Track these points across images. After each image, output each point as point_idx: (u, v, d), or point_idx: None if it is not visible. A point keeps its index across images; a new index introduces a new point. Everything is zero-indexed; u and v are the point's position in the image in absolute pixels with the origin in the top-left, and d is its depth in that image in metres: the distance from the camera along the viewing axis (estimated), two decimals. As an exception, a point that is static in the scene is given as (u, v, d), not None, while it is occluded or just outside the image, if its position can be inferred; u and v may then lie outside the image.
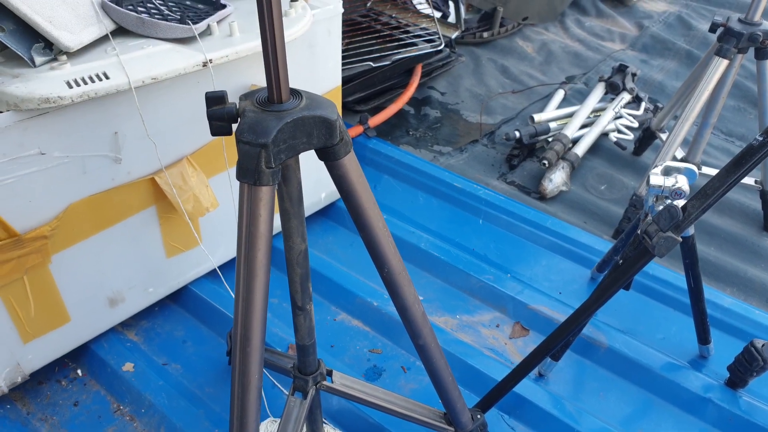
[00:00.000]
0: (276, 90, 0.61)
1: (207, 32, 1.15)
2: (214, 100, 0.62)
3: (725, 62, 1.50)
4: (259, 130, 0.59)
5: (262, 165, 0.60)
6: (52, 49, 1.00)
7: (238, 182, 0.62)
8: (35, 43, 0.98)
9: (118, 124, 1.08)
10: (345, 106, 2.11)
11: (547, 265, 1.58)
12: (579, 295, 1.49)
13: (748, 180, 1.74)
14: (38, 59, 0.98)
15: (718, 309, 1.44)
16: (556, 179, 1.80)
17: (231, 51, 1.12)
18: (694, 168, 1.09)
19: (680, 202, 1.02)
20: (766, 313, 1.44)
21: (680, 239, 0.96)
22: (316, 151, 0.66)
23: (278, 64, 0.59)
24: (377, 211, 0.73)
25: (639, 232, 1.02)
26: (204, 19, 1.15)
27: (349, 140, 0.67)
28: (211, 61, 1.09)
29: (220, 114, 0.62)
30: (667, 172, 1.10)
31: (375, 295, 1.44)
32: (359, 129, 1.99)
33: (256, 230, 0.62)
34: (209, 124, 0.63)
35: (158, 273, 1.35)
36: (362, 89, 2.11)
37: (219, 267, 1.41)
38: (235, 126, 0.63)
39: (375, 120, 2.02)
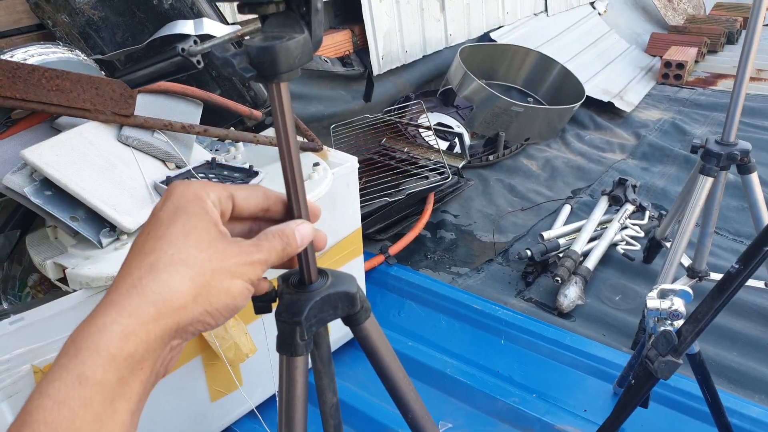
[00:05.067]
0: (307, 274, 0.75)
1: (243, 199, 1.33)
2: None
3: (710, 179, 1.63)
4: (294, 309, 0.72)
5: (297, 339, 0.72)
6: (115, 230, 1.18)
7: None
8: (102, 228, 1.16)
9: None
10: (367, 237, 2.28)
11: (570, 383, 1.62)
12: (603, 411, 1.52)
13: (758, 283, 1.80)
14: (104, 241, 1.15)
15: (746, 419, 1.45)
16: (571, 294, 1.88)
17: (264, 215, 1.29)
18: (689, 290, 1.19)
19: (680, 322, 1.11)
20: (795, 419, 1.45)
21: (680, 362, 1.04)
22: (341, 318, 0.79)
23: (308, 256, 0.74)
24: (398, 363, 0.84)
25: (643, 355, 1.10)
26: (240, 188, 1.34)
27: (368, 306, 0.79)
28: (247, 226, 1.26)
29: (263, 297, 0.76)
30: (663, 295, 1.19)
31: (406, 425, 1.49)
32: (381, 258, 2.13)
33: (293, 395, 0.74)
34: (253, 305, 0.76)
35: (203, 417, 1.45)
36: (381, 220, 2.29)
37: (258, 406, 1.50)
38: (274, 305, 0.76)
39: (394, 248, 2.17)
